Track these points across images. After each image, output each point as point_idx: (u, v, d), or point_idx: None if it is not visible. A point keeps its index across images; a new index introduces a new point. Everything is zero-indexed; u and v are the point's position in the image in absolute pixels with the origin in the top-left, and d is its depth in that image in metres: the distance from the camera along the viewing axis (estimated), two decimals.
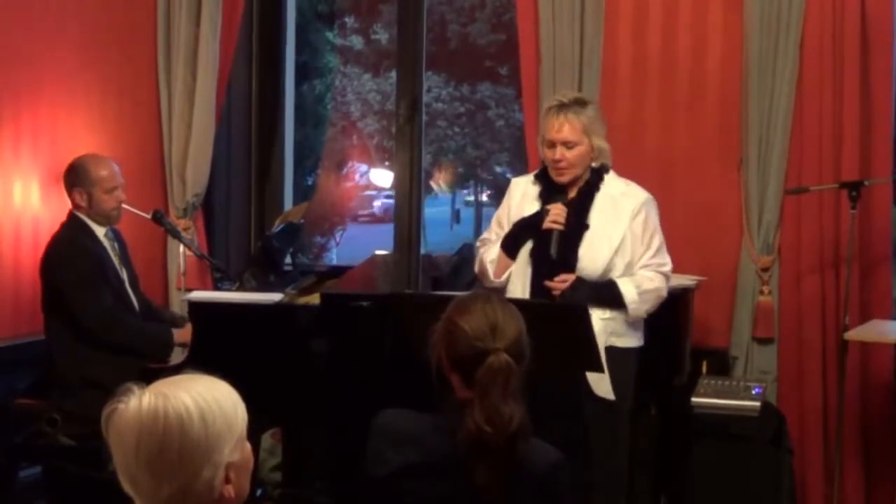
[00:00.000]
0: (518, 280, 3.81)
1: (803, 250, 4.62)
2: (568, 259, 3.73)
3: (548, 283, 3.70)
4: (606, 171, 3.86)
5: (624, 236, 3.75)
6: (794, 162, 4.62)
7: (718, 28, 4.75)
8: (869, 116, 4.54)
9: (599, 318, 3.67)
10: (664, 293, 3.84)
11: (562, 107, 3.78)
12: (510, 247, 3.81)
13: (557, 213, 3.73)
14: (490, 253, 3.88)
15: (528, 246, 3.79)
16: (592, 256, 3.74)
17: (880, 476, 4.60)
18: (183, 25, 5.33)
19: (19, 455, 4.27)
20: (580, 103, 3.82)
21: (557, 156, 3.75)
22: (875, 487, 4.60)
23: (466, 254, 4.61)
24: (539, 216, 3.78)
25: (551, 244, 3.72)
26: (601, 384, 3.69)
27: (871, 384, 4.57)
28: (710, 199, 4.78)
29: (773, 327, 4.67)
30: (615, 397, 3.71)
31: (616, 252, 3.75)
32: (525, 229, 3.80)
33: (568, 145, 3.74)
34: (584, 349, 3.46)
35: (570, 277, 3.70)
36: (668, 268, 3.85)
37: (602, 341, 3.63)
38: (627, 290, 3.72)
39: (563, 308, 3.60)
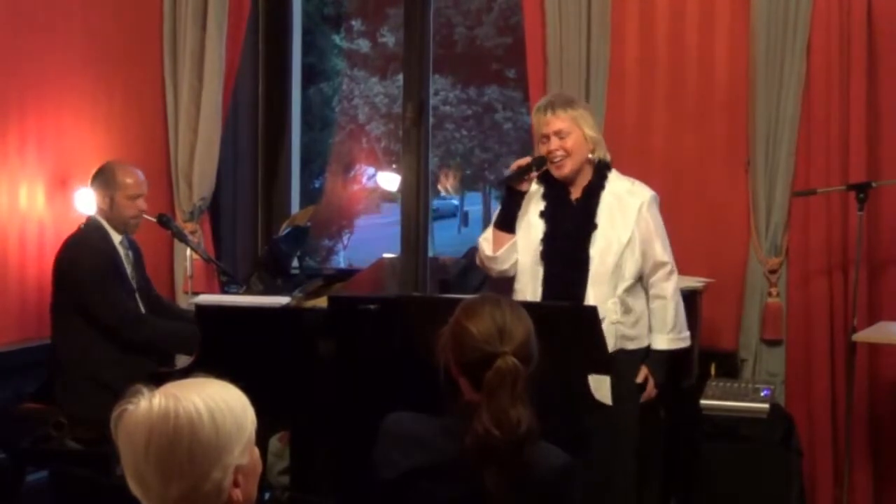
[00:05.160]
0: (528, 279, 3.81)
1: (811, 252, 4.62)
2: (579, 258, 3.75)
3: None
4: (608, 168, 3.88)
5: (632, 234, 3.77)
6: (801, 164, 4.62)
7: (725, 30, 4.75)
8: (876, 118, 4.54)
9: (609, 323, 3.68)
10: (679, 294, 3.89)
11: (548, 104, 3.87)
12: (504, 222, 3.88)
13: (516, 163, 3.86)
14: (485, 233, 3.96)
15: (539, 247, 3.80)
16: (602, 255, 3.75)
17: (889, 477, 4.59)
18: (189, 29, 5.33)
19: (26, 459, 4.26)
20: (566, 99, 3.92)
21: (553, 146, 3.79)
22: (884, 488, 4.60)
23: (474, 256, 4.61)
24: (510, 188, 3.85)
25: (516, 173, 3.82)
26: (600, 388, 3.69)
27: (879, 385, 4.57)
28: (718, 201, 4.78)
29: (781, 329, 4.66)
30: (623, 400, 3.72)
31: (625, 248, 3.75)
32: (508, 199, 3.87)
33: (560, 135, 3.80)
34: (593, 351, 3.45)
35: (648, 382, 3.80)
36: (675, 270, 3.87)
37: (611, 345, 3.64)
38: (662, 341, 3.81)
39: (572, 310, 3.59)
